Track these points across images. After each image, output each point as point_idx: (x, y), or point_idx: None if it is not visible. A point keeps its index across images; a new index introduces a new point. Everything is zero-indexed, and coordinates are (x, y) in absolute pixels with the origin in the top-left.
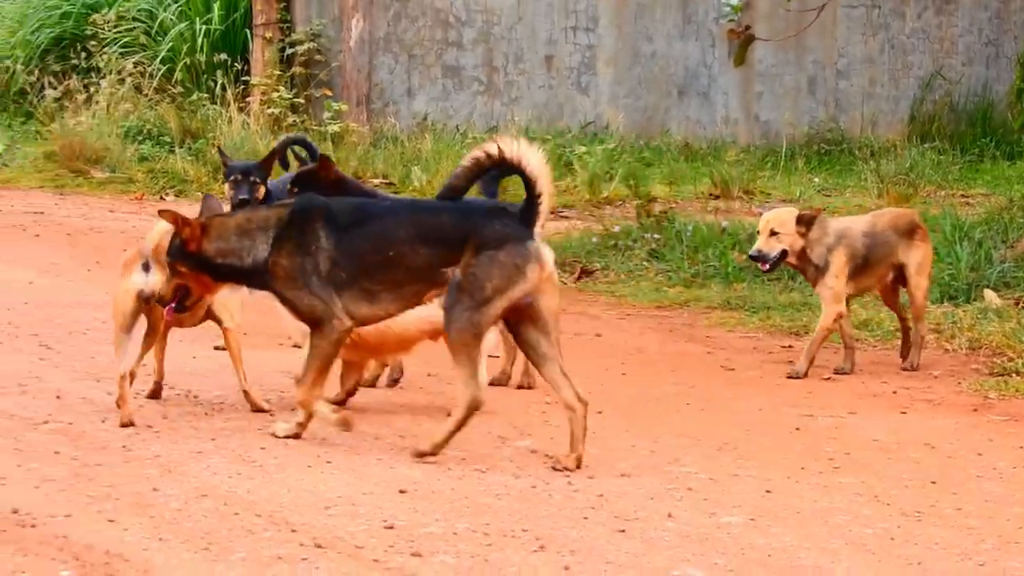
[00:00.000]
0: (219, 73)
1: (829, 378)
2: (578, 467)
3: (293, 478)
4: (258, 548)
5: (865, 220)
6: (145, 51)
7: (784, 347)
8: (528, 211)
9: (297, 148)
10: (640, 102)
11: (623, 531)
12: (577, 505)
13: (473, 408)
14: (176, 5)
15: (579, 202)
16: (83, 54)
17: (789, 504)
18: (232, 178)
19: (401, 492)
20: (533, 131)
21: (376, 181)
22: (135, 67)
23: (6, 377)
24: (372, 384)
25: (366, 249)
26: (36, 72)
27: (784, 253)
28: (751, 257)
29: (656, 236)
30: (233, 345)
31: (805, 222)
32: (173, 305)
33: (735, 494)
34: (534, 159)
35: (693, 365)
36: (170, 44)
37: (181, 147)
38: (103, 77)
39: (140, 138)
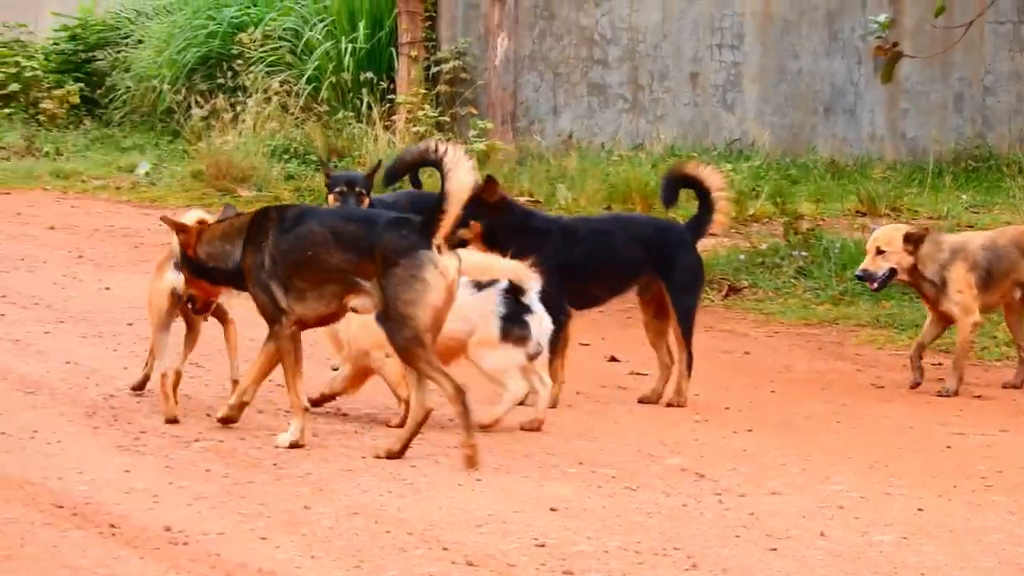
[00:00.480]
0: (364, 91)
1: (979, 396)
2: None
3: (443, 496)
4: (410, 566)
5: (986, 235)
6: (291, 70)
7: (934, 364)
8: (430, 223)
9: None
10: (786, 119)
11: (775, 550)
12: (728, 523)
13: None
14: (322, 24)
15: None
16: (229, 73)
17: (941, 522)
18: (337, 189)
19: (552, 510)
20: (678, 149)
21: (522, 199)
22: (281, 86)
23: (157, 394)
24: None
25: (295, 248)
26: (183, 91)
27: (893, 272)
28: (857, 277)
29: (803, 253)
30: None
31: (913, 240)
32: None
33: (887, 512)
34: (458, 174)
35: (842, 383)
36: (316, 63)
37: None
38: (249, 96)
39: (286, 157)
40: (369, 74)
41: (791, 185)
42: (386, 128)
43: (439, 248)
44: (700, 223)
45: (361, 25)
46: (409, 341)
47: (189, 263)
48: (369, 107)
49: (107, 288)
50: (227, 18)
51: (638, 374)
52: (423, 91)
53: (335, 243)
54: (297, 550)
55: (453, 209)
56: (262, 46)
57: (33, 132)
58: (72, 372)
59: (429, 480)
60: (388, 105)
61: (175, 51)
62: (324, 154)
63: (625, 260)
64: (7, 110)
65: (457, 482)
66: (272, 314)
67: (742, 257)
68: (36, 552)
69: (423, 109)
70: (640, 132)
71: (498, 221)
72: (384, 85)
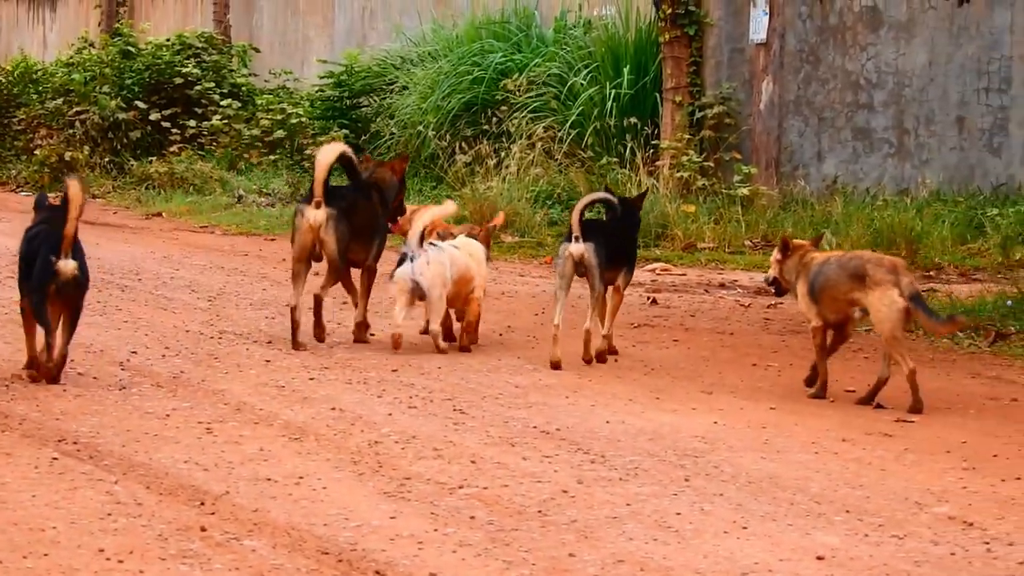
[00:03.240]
0: (628, 137)
1: None
2: None
3: (709, 544)
4: None
5: (829, 255)
6: (555, 115)
7: None
8: None
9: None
10: None
11: None
12: (997, 572)
13: None
14: (587, 70)
15: (991, 265)
16: (494, 119)
17: None
18: None
19: (819, 559)
20: (944, 193)
21: None
22: (545, 131)
23: (423, 441)
24: None
25: None
26: (447, 137)
27: (775, 280)
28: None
29: None
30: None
31: (782, 250)
32: None
33: None
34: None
35: None
36: (580, 108)
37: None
38: (513, 142)
39: (550, 202)
40: (633, 119)
41: None
42: (650, 174)
43: None
44: None
45: (625, 70)
46: None
47: None
48: (633, 152)
49: (372, 334)
50: (492, 64)
51: (905, 421)
52: (687, 136)
53: None
54: None
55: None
56: (527, 92)
57: (298, 178)
58: (337, 418)
59: (695, 528)
60: (652, 151)
61: (440, 97)
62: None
63: None
64: (273, 156)
65: (723, 530)
66: None
67: (1009, 303)
68: None
69: (687, 154)
70: (905, 177)
71: None
72: (648, 130)
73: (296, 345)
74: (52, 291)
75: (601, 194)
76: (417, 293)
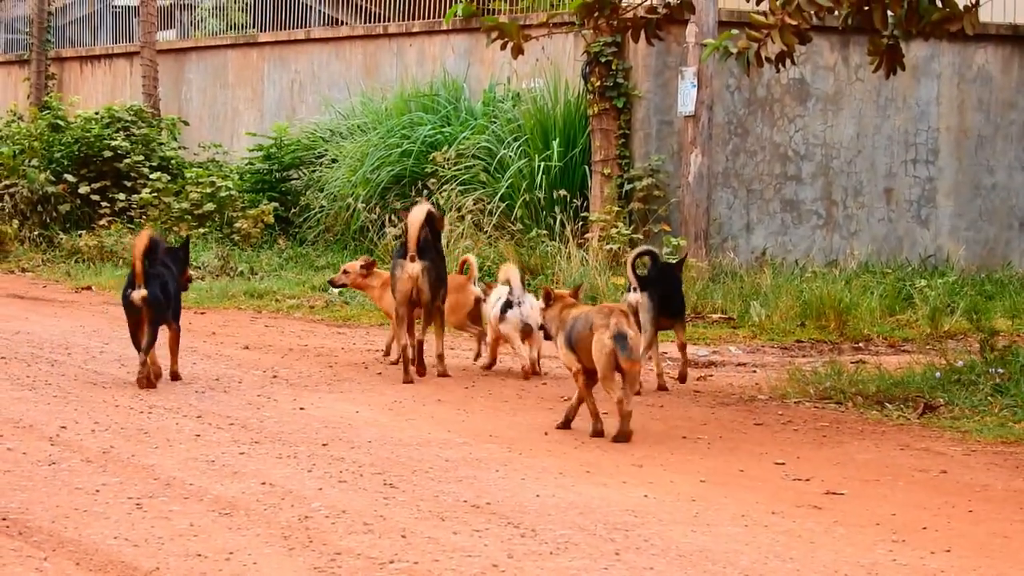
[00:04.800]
0: (558, 209)
1: None
2: None
3: None
4: None
5: (582, 308)
6: (484, 188)
7: None
8: None
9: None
10: (981, 234)
11: None
12: None
13: None
14: (516, 142)
15: (920, 336)
16: (424, 191)
17: None
18: None
19: None
20: (872, 265)
21: (715, 316)
22: (475, 204)
23: (353, 515)
24: None
25: None
26: (377, 210)
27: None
28: None
29: (1000, 371)
30: None
31: (544, 300)
32: None
33: None
34: None
35: None
36: (509, 180)
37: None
38: (443, 214)
39: (480, 274)
40: (562, 192)
41: (986, 301)
42: (579, 246)
43: None
44: None
45: (555, 143)
46: None
47: None
48: (563, 225)
49: (302, 408)
50: (421, 137)
51: (834, 493)
52: (616, 208)
53: None
54: None
55: None
56: (456, 164)
57: (228, 251)
58: (268, 493)
59: None
60: (581, 223)
61: (369, 170)
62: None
63: None
64: (203, 229)
65: None
66: None
67: (938, 374)
68: None
69: (616, 226)
70: (834, 248)
71: None
72: (577, 203)
73: (407, 379)
74: (135, 316)
75: (646, 247)
76: (527, 331)
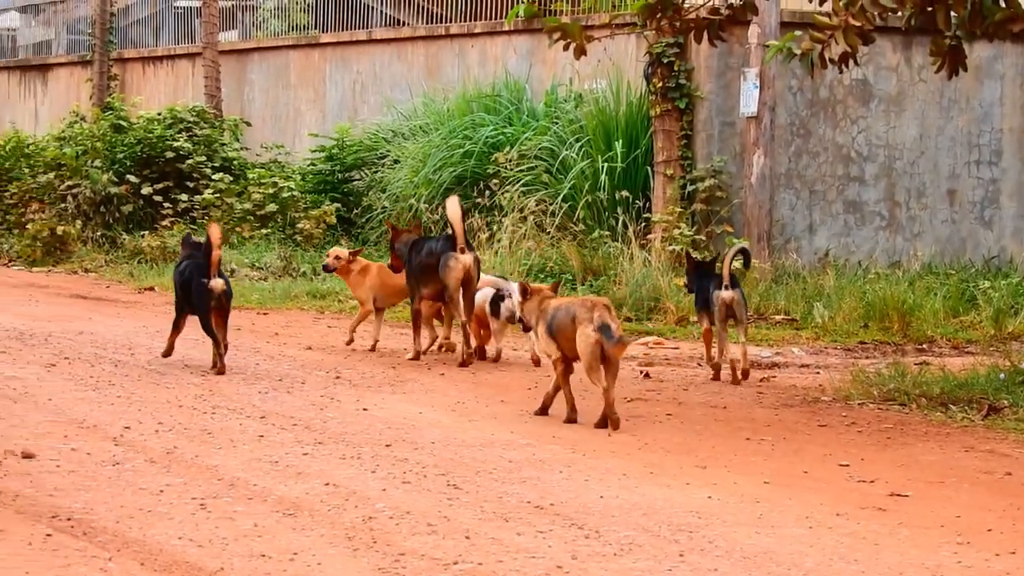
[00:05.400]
0: (620, 210)
1: None
2: None
3: None
4: None
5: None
6: (547, 189)
7: None
8: None
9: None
10: None
11: None
12: None
13: None
14: (578, 143)
15: (983, 337)
16: (486, 192)
17: None
18: None
19: None
20: (935, 266)
21: (778, 318)
22: (537, 205)
23: (417, 516)
24: None
25: None
26: (439, 210)
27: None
28: None
29: None
30: None
31: (521, 293)
32: None
33: None
34: None
35: None
36: (572, 182)
37: (583, 284)
38: (505, 215)
39: (542, 276)
40: (625, 193)
41: None
42: (642, 247)
43: None
44: None
45: (617, 144)
46: None
47: None
48: (625, 226)
49: (365, 409)
50: (483, 138)
51: (899, 495)
52: (679, 209)
53: None
54: None
55: None
56: (518, 166)
57: (290, 252)
58: (331, 493)
59: None
60: (644, 224)
61: (431, 170)
62: (580, 273)
63: None
64: (265, 231)
65: None
66: None
67: (1002, 376)
68: None
69: (679, 227)
70: (897, 249)
71: None
72: (640, 204)
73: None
74: (212, 306)
75: (741, 245)
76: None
